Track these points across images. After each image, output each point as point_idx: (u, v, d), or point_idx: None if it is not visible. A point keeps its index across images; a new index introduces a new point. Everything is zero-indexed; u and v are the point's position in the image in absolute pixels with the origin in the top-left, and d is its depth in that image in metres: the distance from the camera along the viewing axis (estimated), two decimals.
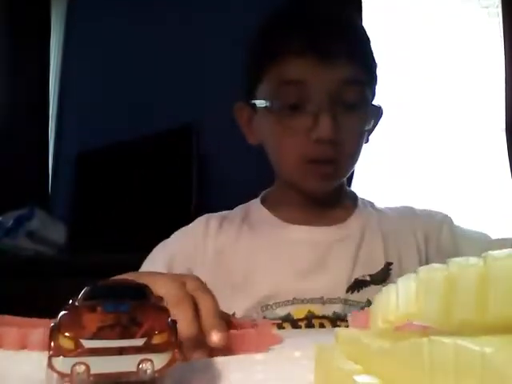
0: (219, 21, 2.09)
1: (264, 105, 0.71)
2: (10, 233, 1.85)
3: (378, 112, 0.78)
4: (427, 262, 0.74)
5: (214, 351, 0.38)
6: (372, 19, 1.95)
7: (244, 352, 0.39)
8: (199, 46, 2.12)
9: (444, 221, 0.79)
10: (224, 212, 0.83)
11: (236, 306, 0.69)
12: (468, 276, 0.17)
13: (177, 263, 0.75)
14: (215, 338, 0.37)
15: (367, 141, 0.78)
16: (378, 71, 0.76)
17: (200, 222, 0.80)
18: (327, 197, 0.77)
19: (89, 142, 2.15)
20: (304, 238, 0.75)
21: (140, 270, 0.74)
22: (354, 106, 0.70)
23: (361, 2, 1.96)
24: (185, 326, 0.37)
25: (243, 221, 0.79)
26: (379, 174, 1.87)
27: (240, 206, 0.84)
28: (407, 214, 0.80)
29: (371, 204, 0.84)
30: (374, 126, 0.78)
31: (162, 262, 0.74)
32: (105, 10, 2.32)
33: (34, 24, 2.32)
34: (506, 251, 0.17)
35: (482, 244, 0.74)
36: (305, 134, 0.68)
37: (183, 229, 0.81)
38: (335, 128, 0.67)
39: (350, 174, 0.78)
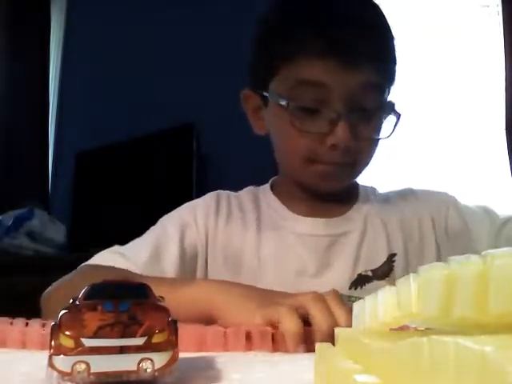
0: (220, 20, 2.09)
1: (279, 102, 0.68)
2: (9, 232, 1.85)
3: (396, 117, 0.75)
4: (437, 247, 0.74)
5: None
6: None
7: None
8: (200, 45, 2.12)
9: (449, 201, 0.78)
10: (233, 193, 0.82)
11: None
12: (468, 275, 0.17)
13: (190, 233, 0.74)
14: None
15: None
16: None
17: (211, 197, 0.80)
18: (332, 194, 0.77)
19: (88, 141, 2.15)
20: (308, 231, 0.75)
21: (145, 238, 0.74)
22: (371, 112, 0.68)
23: None
24: (323, 319, 0.44)
25: (253, 209, 0.79)
26: (380, 173, 1.87)
27: (249, 188, 0.83)
28: (410, 199, 0.80)
29: (373, 190, 0.83)
30: (391, 132, 0.75)
31: (175, 232, 0.73)
32: (104, 9, 2.32)
33: (34, 24, 2.32)
34: (505, 250, 0.17)
35: (489, 220, 0.74)
36: (320, 139, 0.67)
37: (192, 202, 0.80)
38: (352, 135, 0.66)
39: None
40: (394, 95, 0.75)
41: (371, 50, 0.66)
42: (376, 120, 0.70)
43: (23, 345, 0.40)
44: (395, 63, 0.72)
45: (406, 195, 0.81)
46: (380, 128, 0.71)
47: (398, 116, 0.71)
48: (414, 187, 0.83)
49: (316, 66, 0.65)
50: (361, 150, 0.69)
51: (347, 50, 0.64)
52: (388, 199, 0.81)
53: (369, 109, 0.67)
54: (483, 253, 0.17)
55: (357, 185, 0.82)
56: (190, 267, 0.73)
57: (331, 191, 0.74)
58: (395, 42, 0.72)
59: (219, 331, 0.41)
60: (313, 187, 0.74)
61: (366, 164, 0.74)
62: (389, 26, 0.71)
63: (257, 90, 0.73)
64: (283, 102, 0.67)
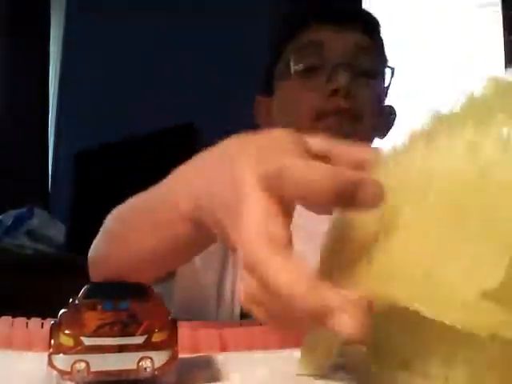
0: (220, 21, 2.09)
1: (286, 63, 0.78)
2: (9, 231, 1.85)
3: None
4: None
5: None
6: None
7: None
8: (200, 45, 2.12)
9: None
10: None
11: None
12: None
13: None
14: None
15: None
16: None
17: None
18: None
19: (88, 140, 2.15)
20: (318, 229, 0.76)
21: None
22: (367, 73, 0.76)
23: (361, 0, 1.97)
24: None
25: None
26: None
27: None
28: None
29: None
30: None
31: None
32: (105, 8, 2.32)
33: (34, 24, 2.32)
34: None
35: None
36: (322, 88, 0.74)
37: None
38: (350, 79, 0.72)
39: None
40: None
41: (360, 20, 0.80)
42: (373, 81, 0.78)
43: (29, 346, 0.40)
44: (382, 38, 0.83)
45: None
46: (380, 91, 0.79)
47: (393, 70, 0.80)
48: None
49: (316, 29, 0.78)
50: (361, 99, 0.74)
51: (340, 17, 0.79)
52: None
53: (364, 69, 0.76)
54: None
55: None
56: None
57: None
58: (380, 27, 0.84)
59: (213, 333, 0.41)
60: None
61: (372, 120, 0.77)
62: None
63: (266, 85, 0.83)
64: (290, 63, 0.77)
